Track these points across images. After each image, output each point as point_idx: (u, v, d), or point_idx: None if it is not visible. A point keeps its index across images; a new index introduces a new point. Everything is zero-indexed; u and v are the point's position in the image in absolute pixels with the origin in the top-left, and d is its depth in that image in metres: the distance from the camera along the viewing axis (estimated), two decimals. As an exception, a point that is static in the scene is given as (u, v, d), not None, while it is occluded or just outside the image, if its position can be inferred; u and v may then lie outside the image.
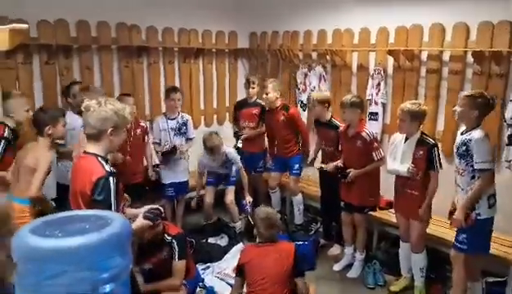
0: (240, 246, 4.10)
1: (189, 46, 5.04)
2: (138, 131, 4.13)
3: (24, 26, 3.08)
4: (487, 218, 2.88)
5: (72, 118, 3.58)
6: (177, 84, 5.00)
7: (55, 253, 1.24)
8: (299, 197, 4.50)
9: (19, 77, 4.01)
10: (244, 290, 2.80)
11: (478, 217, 2.86)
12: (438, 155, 3.20)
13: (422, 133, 3.27)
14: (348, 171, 3.64)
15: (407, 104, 3.28)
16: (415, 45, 3.93)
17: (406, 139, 3.30)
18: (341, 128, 3.81)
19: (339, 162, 3.78)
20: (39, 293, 1.24)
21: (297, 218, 4.54)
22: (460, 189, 2.95)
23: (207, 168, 4.42)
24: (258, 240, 2.79)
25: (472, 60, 3.58)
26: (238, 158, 4.35)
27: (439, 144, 3.86)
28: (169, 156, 4.24)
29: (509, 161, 3.36)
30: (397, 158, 3.33)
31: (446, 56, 3.80)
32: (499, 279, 3.29)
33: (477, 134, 2.82)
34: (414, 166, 3.22)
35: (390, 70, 4.20)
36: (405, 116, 3.23)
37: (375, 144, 3.59)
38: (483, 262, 3.14)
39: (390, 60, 4.16)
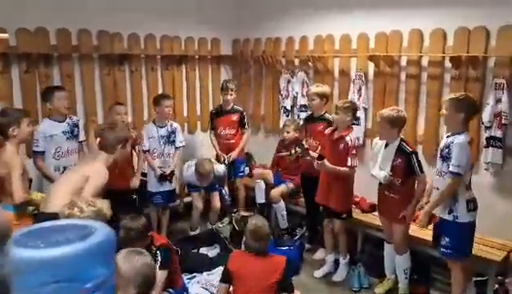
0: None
1: (171, 54, 5.03)
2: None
3: (5, 36, 3.04)
4: (466, 222, 2.92)
5: (52, 125, 3.60)
6: (159, 92, 4.98)
7: (37, 264, 1.22)
8: (281, 203, 4.51)
9: (-3, 86, 3.95)
10: None
11: (456, 220, 2.90)
12: (418, 161, 3.24)
13: (401, 140, 3.30)
14: (323, 156, 3.65)
15: (387, 111, 3.31)
16: (394, 50, 4.01)
17: (387, 144, 3.34)
18: (327, 131, 3.83)
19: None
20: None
21: (281, 223, 4.55)
22: (436, 190, 3.01)
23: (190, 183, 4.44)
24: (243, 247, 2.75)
25: (450, 64, 3.66)
26: (225, 176, 4.50)
27: (420, 147, 3.96)
28: (165, 180, 4.28)
29: (488, 163, 3.45)
30: (377, 163, 3.38)
31: (424, 61, 3.88)
32: (481, 279, 3.35)
33: (460, 138, 2.86)
34: (391, 174, 3.27)
35: (371, 75, 4.27)
36: (384, 122, 3.27)
37: (354, 151, 3.61)
38: (474, 264, 3.20)
39: (371, 66, 4.23)
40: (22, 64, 4.05)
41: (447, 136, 3.00)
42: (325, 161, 3.61)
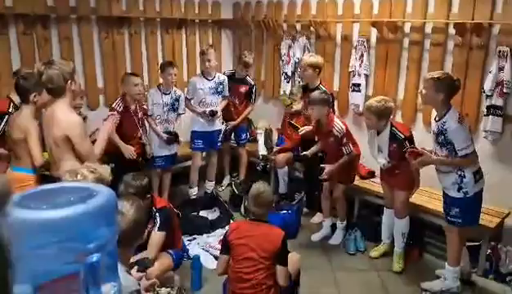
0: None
1: (171, 17, 4.94)
2: (141, 114, 4.11)
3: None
4: (475, 193, 2.93)
5: None
6: (159, 55, 4.93)
7: (39, 226, 1.25)
8: (285, 169, 4.58)
9: (-5, 48, 3.91)
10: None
11: (467, 195, 2.91)
12: (411, 146, 3.21)
13: (392, 126, 3.28)
14: (323, 167, 3.70)
15: (374, 103, 3.26)
16: (398, 16, 3.93)
17: (379, 132, 3.33)
18: (312, 126, 3.82)
19: (317, 148, 3.88)
20: (25, 264, 1.26)
21: (281, 188, 4.63)
22: (442, 174, 2.99)
23: (196, 96, 4.41)
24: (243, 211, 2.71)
25: (454, 31, 3.61)
26: (227, 82, 4.52)
27: (419, 115, 3.97)
28: (173, 142, 4.30)
29: (487, 131, 3.46)
30: (374, 148, 3.39)
31: (428, 28, 3.82)
32: (474, 244, 3.44)
33: (452, 122, 2.81)
34: (389, 160, 3.30)
35: (373, 42, 4.21)
36: (371, 115, 3.25)
37: (345, 139, 3.61)
38: (469, 231, 3.23)
39: (374, 32, 4.16)
40: (19, 25, 3.99)
41: (436, 120, 2.95)
42: (326, 169, 3.66)
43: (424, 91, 2.91)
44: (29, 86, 2.97)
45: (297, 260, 2.91)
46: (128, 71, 4.76)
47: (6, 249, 0.75)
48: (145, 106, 4.20)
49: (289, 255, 2.83)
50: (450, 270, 3.13)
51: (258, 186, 2.71)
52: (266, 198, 2.64)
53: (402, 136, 3.23)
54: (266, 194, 2.65)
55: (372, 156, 3.48)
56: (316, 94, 3.65)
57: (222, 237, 2.96)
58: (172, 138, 4.27)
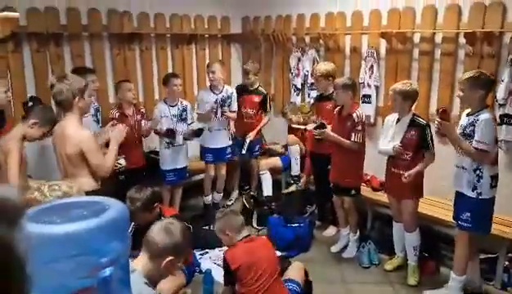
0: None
1: (181, 32, 5.00)
2: (139, 116, 4.19)
3: (15, 14, 3.02)
4: (488, 198, 2.90)
5: None
6: (170, 70, 4.98)
7: (54, 240, 1.25)
8: (296, 147, 4.65)
9: (9, 65, 3.97)
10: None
11: (480, 197, 2.88)
12: (431, 135, 3.23)
13: (414, 114, 3.29)
14: (324, 124, 3.70)
15: (399, 85, 3.29)
16: (407, 27, 3.93)
17: (398, 120, 3.32)
18: (336, 110, 3.82)
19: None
20: (38, 280, 1.25)
21: (293, 169, 4.66)
22: (461, 170, 2.95)
23: (203, 107, 4.40)
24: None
25: (464, 41, 3.59)
26: (235, 96, 4.55)
27: (432, 126, 3.92)
28: (171, 139, 4.20)
29: (501, 140, 3.40)
30: (387, 138, 3.36)
31: (438, 38, 3.80)
32: (491, 256, 3.36)
33: (486, 114, 2.83)
34: (401, 145, 3.24)
35: (383, 53, 4.21)
36: (397, 96, 3.25)
37: (359, 126, 3.58)
38: (480, 241, 3.18)
39: (383, 43, 4.16)
40: (33, 43, 4.07)
41: (468, 115, 2.95)
42: (327, 129, 3.63)
43: (461, 93, 2.94)
44: (40, 114, 2.89)
45: (302, 267, 2.98)
46: (140, 87, 4.85)
47: (24, 263, 0.75)
48: (142, 109, 4.33)
49: (294, 264, 2.98)
50: (455, 279, 3.07)
51: (225, 211, 2.99)
52: (235, 209, 2.82)
53: (424, 122, 3.23)
54: (231, 208, 2.82)
55: (380, 149, 3.41)
56: (340, 79, 3.72)
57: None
58: (167, 134, 4.15)
